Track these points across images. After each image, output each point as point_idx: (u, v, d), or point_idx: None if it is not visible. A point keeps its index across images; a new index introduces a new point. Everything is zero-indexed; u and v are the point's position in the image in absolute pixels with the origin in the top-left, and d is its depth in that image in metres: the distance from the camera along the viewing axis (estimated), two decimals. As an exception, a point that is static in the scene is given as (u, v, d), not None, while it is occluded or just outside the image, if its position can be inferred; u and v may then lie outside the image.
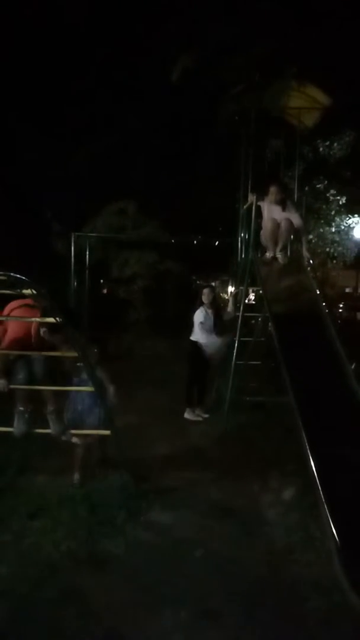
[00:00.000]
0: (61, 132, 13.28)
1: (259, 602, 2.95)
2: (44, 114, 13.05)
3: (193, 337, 6.59)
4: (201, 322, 6.50)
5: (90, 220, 13.07)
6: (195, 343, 6.57)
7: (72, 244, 10.45)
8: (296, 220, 6.17)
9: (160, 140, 13.45)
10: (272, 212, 6.16)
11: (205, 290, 6.77)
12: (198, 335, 6.55)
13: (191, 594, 3.01)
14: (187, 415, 6.57)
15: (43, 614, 2.83)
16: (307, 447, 3.70)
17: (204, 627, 2.75)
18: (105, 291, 16.08)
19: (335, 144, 11.97)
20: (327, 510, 3.25)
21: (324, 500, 3.31)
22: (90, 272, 11.04)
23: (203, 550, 3.44)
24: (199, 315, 6.56)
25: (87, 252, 11.00)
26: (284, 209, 6.14)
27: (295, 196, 7.70)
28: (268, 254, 6.18)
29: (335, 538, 3.09)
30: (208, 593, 3.03)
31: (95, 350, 4.58)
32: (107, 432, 4.29)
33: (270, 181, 6.41)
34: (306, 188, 10.92)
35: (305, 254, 6.19)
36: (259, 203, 6.25)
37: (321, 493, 3.36)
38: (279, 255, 6.09)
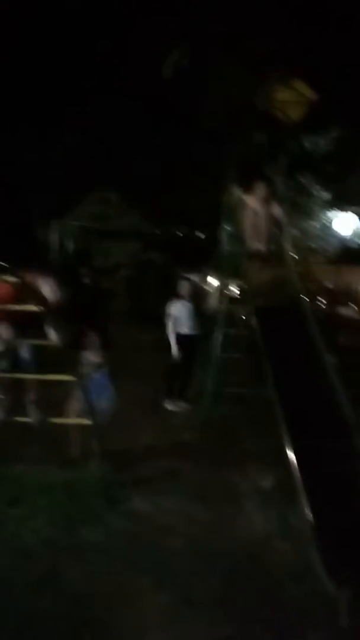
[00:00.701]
0: (41, 118, 13.08)
1: (237, 589, 2.99)
2: (23, 99, 12.82)
3: (172, 329, 6.59)
4: (175, 314, 6.49)
5: (72, 208, 12.95)
6: (175, 335, 6.57)
7: (54, 232, 10.34)
8: (279, 214, 6.21)
9: (144, 130, 13.36)
10: (256, 208, 6.18)
11: (184, 283, 6.78)
12: (176, 326, 6.54)
13: (170, 580, 3.05)
14: (168, 405, 6.58)
15: (22, 599, 2.83)
16: (287, 438, 3.76)
17: (183, 613, 2.79)
18: (87, 281, 15.95)
19: (321, 139, 12.03)
20: (305, 499, 3.30)
21: (302, 489, 3.37)
22: (71, 261, 10.96)
23: (182, 538, 3.47)
24: (173, 307, 6.55)
25: (68, 241, 10.92)
26: (268, 205, 6.17)
27: (280, 190, 7.73)
28: (251, 247, 6.20)
29: (313, 526, 3.15)
30: (187, 580, 3.06)
31: (96, 337, 4.59)
32: (88, 422, 4.30)
33: (256, 177, 6.44)
34: (290, 182, 10.98)
35: (288, 247, 6.24)
36: (244, 197, 6.26)
37: (299, 483, 3.41)
38: (261, 248, 6.12)
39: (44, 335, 4.13)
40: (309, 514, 3.22)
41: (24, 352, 4.20)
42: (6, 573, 3.04)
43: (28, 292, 3.93)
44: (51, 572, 3.06)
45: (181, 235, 12.87)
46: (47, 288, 4.00)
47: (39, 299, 3.94)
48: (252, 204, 6.22)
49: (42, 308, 3.81)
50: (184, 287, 6.65)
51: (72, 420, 4.48)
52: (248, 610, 2.84)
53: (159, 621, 2.73)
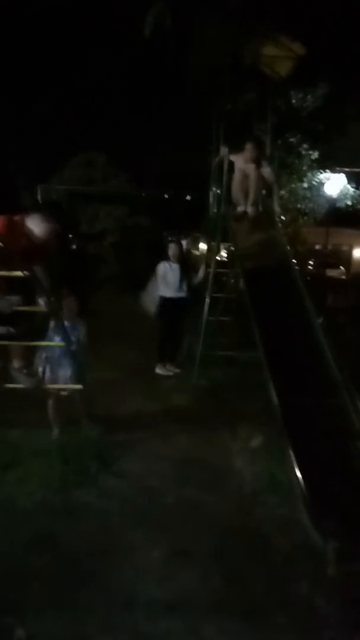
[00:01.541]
0: (23, 79, 12.62)
1: (227, 542, 3.11)
2: (4, 58, 12.34)
3: (160, 293, 6.57)
4: (162, 276, 6.48)
5: (56, 172, 12.63)
6: (162, 299, 6.56)
7: (39, 196, 10.12)
8: (268, 174, 6.12)
9: (130, 89, 12.96)
10: (245, 169, 6.07)
11: (172, 245, 6.70)
12: (163, 290, 6.54)
13: (163, 536, 3.15)
14: (159, 370, 6.64)
15: (19, 560, 2.92)
16: (275, 397, 3.82)
17: (175, 567, 2.90)
18: (74, 247, 15.80)
19: (309, 96, 11.75)
20: (292, 456, 3.40)
21: (289, 446, 3.45)
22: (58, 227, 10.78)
23: (174, 496, 3.57)
24: (160, 269, 6.52)
25: (54, 206, 10.70)
26: (258, 167, 6.06)
27: (268, 150, 7.59)
28: (239, 209, 6.13)
29: (300, 481, 3.25)
30: (179, 535, 3.17)
31: (74, 302, 4.57)
32: (79, 386, 4.34)
33: (246, 138, 6.30)
34: (279, 142, 10.77)
35: (276, 209, 6.18)
36: (232, 158, 6.14)
37: (287, 440, 3.50)
38: (249, 210, 6.06)
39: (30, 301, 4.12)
40: (296, 470, 3.31)
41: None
42: (3, 535, 3.11)
43: (18, 229, 3.88)
44: (47, 533, 3.15)
45: (168, 198, 12.67)
46: (36, 225, 3.94)
47: (29, 235, 3.90)
48: (242, 165, 6.12)
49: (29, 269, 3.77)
50: (171, 250, 6.60)
51: (64, 385, 4.51)
52: (237, 561, 2.96)
53: (152, 574, 2.83)
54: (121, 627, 2.48)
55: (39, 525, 3.21)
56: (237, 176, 6.07)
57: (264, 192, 6.47)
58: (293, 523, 3.22)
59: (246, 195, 6.05)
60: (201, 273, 6.81)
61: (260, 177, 6.06)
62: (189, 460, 4.14)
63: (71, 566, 2.88)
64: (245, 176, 6.01)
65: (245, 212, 6.06)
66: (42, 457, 3.93)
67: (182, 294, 6.56)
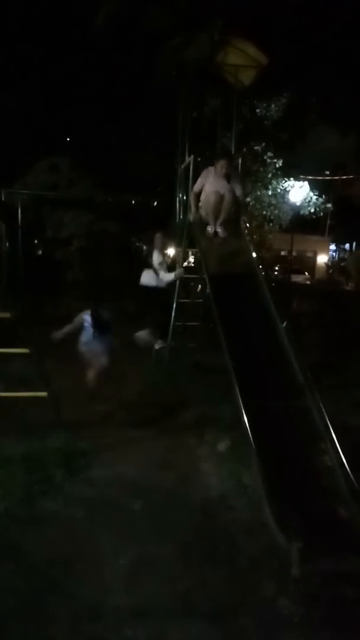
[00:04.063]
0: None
1: (194, 546, 3.11)
2: None
3: (143, 281, 6.65)
4: (160, 264, 6.59)
5: (20, 177, 12.39)
6: (146, 287, 6.63)
7: (2, 201, 9.94)
8: (238, 191, 6.11)
9: (95, 92, 12.90)
10: (216, 184, 6.03)
11: (158, 235, 6.86)
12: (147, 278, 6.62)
13: (130, 543, 3.13)
14: (157, 345, 6.74)
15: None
16: (241, 401, 3.86)
17: (143, 572, 2.88)
18: (40, 252, 15.54)
19: (273, 105, 11.97)
20: (258, 459, 3.43)
21: (255, 450, 3.49)
22: (23, 233, 10.61)
23: (141, 501, 3.56)
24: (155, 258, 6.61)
25: (19, 211, 10.53)
26: (228, 182, 6.03)
27: (236, 159, 7.65)
28: (210, 229, 6.08)
29: (266, 485, 3.29)
30: (146, 541, 3.15)
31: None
32: (44, 394, 4.28)
33: (220, 154, 6.32)
34: (244, 150, 10.94)
35: (242, 217, 6.22)
36: (202, 174, 6.09)
37: (253, 444, 3.53)
38: (219, 230, 6.03)
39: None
40: (262, 473, 3.35)
41: None
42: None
43: None
44: (11, 543, 3.08)
45: (134, 203, 12.63)
46: None
47: None
48: (213, 182, 6.06)
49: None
50: (157, 239, 6.75)
51: (28, 393, 4.44)
52: (204, 564, 2.96)
53: (120, 581, 2.81)
54: (87, 636, 2.44)
55: (2, 535, 3.15)
56: (211, 199, 5.98)
57: (232, 200, 6.45)
58: (258, 525, 3.26)
59: (217, 217, 6.01)
60: (178, 272, 6.80)
61: (228, 185, 6.03)
62: (156, 466, 4.13)
63: (37, 576, 2.83)
64: (220, 199, 5.93)
65: (215, 232, 6.04)
66: (5, 467, 3.85)
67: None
